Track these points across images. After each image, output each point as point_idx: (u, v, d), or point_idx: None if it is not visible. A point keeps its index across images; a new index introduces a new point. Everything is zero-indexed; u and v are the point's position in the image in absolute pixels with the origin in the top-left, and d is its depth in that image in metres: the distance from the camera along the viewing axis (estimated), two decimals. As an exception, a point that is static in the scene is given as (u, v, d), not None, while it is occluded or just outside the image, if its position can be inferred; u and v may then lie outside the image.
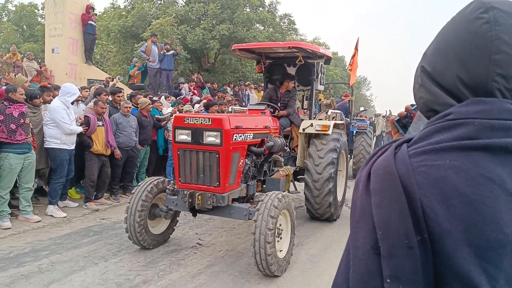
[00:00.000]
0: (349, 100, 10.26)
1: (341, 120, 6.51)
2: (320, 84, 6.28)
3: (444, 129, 0.66)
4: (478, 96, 0.67)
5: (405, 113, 1.07)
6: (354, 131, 10.19)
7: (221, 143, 3.79)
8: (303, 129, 5.55)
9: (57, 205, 5.52)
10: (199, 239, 4.81)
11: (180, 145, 3.96)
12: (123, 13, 16.16)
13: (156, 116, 7.48)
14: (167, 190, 4.22)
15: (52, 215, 5.37)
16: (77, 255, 4.11)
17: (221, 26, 14.25)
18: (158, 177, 4.51)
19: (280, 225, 3.81)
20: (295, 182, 5.90)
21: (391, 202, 0.63)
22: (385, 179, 0.65)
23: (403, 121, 1.13)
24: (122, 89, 7.65)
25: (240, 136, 4.06)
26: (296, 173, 5.85)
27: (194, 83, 11.75)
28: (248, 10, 15.69)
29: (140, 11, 14.80)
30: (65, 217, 5.40)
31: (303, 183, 5.53)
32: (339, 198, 5.98)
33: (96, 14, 11.67)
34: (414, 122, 1.06)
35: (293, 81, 5.98)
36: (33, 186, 5.24)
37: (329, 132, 5.45)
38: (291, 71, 6.32)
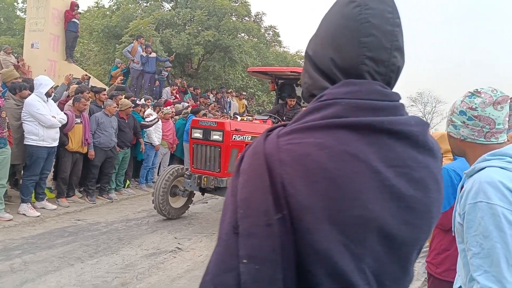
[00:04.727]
0: None
1: None
2: None
3: (316, 110, 0.66)
4: (351, 78, 0.68)
5: None
6: None
7: (222, 140, 5.01)
8: None
9: (31, 204, 5.34)
10: (178, 243, 4.75)
11: (194, 141, 5.34)
12: (108, 12, 15.94)
13: (142, 122, 7.38)
14: (185, 175, 5.56)
15: (24, 214, 5.17)
16: (52, 256, 3.97)
17: (206, 32, 14.28)
18: (178, 165, 5.97)
19: None
20: None
21: (255, 180, 0.62)
22: (253, 158, 0.64)
23: None
24: (105, 88, 7.53)
25: (239, 136, 5.18)
26: None
27: (176, 87, 11.69)
28: (234, 19, 15.81)
29: (125, 12, 14.64)
30: (38, 216, 5.21)
31: None
32: None
33: (80, 13, 11.44)
34: None
35: (294, 99, 6.72)
36: (6, 183, 5.05)
37: None
38: (298, 90, 7.28)
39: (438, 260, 2.28)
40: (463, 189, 1.22)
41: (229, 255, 0.61)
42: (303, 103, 7.30)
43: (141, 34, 12.08)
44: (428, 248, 3.03)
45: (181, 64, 16.12)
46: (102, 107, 6.59)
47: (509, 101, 1.27)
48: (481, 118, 1.25)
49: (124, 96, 7.50)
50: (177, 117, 8.85)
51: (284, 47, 22.86)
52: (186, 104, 10.26)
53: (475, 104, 1.26)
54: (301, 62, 26.21)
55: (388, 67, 0.69)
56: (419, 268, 3.32)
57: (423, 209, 0.67)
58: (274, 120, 6.26)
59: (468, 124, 1.28)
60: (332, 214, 0.59)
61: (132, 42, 11.43)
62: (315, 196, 0.59)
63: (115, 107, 6.54)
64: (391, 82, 0.71)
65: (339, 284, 0.59)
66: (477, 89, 1.29)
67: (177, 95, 11.55)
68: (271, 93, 16.69)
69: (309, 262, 0.60)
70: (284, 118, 6.49)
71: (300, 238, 0.59)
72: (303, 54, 27.48)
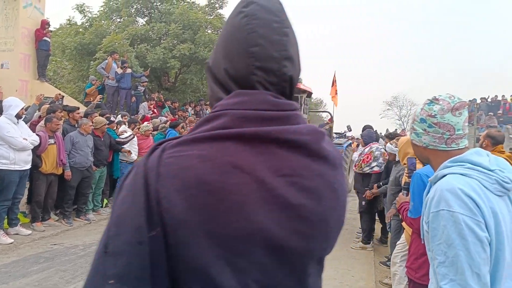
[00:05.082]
0: (329, 126, 10.83)
1: None
2: (304, 113, 7.62)
3: (206, 121, 0.66)
4: (243, 89, 0.67)
5: None
6: None
7: None
8: None
9: (3, 230, 5.12)
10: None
11: None
12: (80, 29, 15.72)
13: (117, 139, 7.25)
14: None
15: (-3, 241, 4.96)
16: (26, 284, 3.80)
17: (182, 45, 14.26)
18: None
19: None
20: None
21: (132, 196, 0.59)
22: (135, 173, 0.62)
23: None
24: (79, 107, 7.38)
25: None
26: None
27: (154, 102, 11.58)
28: (209, 31, 15.86)
29: (98, 29, 14.48)
30: (11, 243, 5.00)
31: None
32: None
33: (51, 31, 11.23)
34: None
35: None
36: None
37: None
38: None
39: (416, 264, 2.30)
40: (427, 196, 1.23)
41: (97, 276, 0.58)
42: None
43: (115, 50, 11.96)
44: (407, 253, 3.06)
45: (157, 78, 16.02)
46: (76, 126, 6.45)
47: (466, 106, 1.29)
48: (441, 125, 1.26)
49: (98, 113, 7.37)
50: (155, 132, 8.75)
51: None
52: (164, 119, 10.16)
53: (434, 111, 1.28)
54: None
55: (280, 76, 0.68)
56: (401, 272, 3.34)
57: (317, 219, 0.65)
58: None
59: (429, 132, 1.29)
60: (212, 228, 0.57)
61: (106, 59, 11.29)
62: (192, 210, 0.57)
63: (90, 125, 6.41)
64: (285, 92, 0.70)
65: None
66: (435, 97, 1.31)
67: (155, 110, 11.44)
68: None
69: (186, 279, 0.58)
70: None
71: (176, 255, 0.57)
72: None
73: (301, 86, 7.35)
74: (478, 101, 19.78)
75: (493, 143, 3.60)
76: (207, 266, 0.57)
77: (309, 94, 7.91)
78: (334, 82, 12.26)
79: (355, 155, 6.08)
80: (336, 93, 12.12)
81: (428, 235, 1.19)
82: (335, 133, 12.86)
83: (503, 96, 19.40)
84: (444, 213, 1.12)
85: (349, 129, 15.07)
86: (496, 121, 17.34)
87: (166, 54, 14.10)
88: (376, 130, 7.34)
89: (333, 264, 4.86)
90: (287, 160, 0.64)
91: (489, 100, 19.70)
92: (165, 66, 14.42)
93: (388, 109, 43.09)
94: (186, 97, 16.24)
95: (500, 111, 18.39)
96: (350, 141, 12.15)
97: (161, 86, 16.30)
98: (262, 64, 0.66)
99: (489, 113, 18.06)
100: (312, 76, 79.06)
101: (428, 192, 1.26)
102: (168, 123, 9.05)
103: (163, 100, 12.57)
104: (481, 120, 18.05)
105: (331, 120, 11.35)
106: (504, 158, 3.29)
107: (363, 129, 6.47)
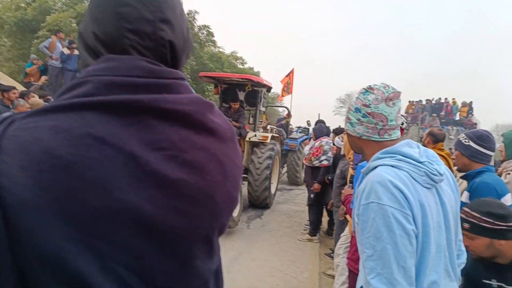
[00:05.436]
0: (286, 121, 10.97)
1: (278, 134, 8.38)
2: (263, 106, 8.09)
3: (67, 90, 0.58)
4: (116, 54, 0.61)
5: None
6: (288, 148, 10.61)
7: None
8: (249, 138, 7.08)
9: None
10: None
11: None
12: (22, 4, 14.54)
13: None
14: None
15: None
16: None
17: (135, 30, 13.70)
18: None
19: None
20: None
21: None
22: None
23: None
24: (15, 87, 6.79)
25: None
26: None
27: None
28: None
29: (43, 5, 13.47)
30: None
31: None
32: (273, 191, 7.64)
33: (-13, 2, 10.25)
34: None
35: (238, 103, 7.20)
36: None
37: (268, 141, 7.04)
38: (241, 95, 7.78)
39: (356, 256, 2.32)
40: (359, 188, 1.20)
41: None
42: (246, 106, 7.86)
43: (61, 29, 11.18)
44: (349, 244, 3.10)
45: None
46: (11, 107, 5.91)
47: (400, 97, 1.27)
48: (375, 115, 1.23)
49: (38, 95, 6.83)
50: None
51: (219, 47, 22.73)
52: None
53: (369, 101, 1.24)
54: (236, 63, 26.29)
55: (156, 41, 0.62)
56: (343, 263, 3.40)
57: (200, 195, 0.60)
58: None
59: (363, 122, 1.26)
60: (65, 208, 0.49)
61: (50, 37, 10.53)
62: (40, 188, 0.49)
63: (27, 107, 5.90)
64: (166, 59, 0.64)
65: None
66: (370, 86, 1.27)
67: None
68: (206, 94, 16.51)
69: (37, 269, 0.49)
70: (230, 121, 6.70)
71: (21, 241, 0.49)
72: (238, 54, 27.67)
73: (263, 81, 7.55)
74: (424, 102, 20.98)
75: (434, 140, 3.75)
76: (61, 252, 0.49)
77: (269, 89, 8.11)
78: (289, 76, 12.52)
79: (306, 149, 6.14)
80: (287, 86, 12.44)
81: (358, 227, 1.15)
82: (297, 127, 13.09)
83: (445, 98, 20.71)
84: (374, 206, 1.08)
85: (309, 124, 15.44)
86: (439, 122, 18.49)
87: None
88: (329, 126, 7.51)
89: (280, 256, 4.88)
90: (164, 132, 0.58)
91: (433, 102, 20.94)
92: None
93: (341, 106, 44.44)
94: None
95: (443, 113, 19.63)
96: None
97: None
98: (134, 27, 0.60)
99: (433, 114, 19.22)
100: (270, 72, 79.81)
101: (361, 183, 1.23)
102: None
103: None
104: (425, 120, 19.16)
105: (289, 115, 11.52)
106: (443, 155, 3.45)
107: (316, 124, 6.65)
